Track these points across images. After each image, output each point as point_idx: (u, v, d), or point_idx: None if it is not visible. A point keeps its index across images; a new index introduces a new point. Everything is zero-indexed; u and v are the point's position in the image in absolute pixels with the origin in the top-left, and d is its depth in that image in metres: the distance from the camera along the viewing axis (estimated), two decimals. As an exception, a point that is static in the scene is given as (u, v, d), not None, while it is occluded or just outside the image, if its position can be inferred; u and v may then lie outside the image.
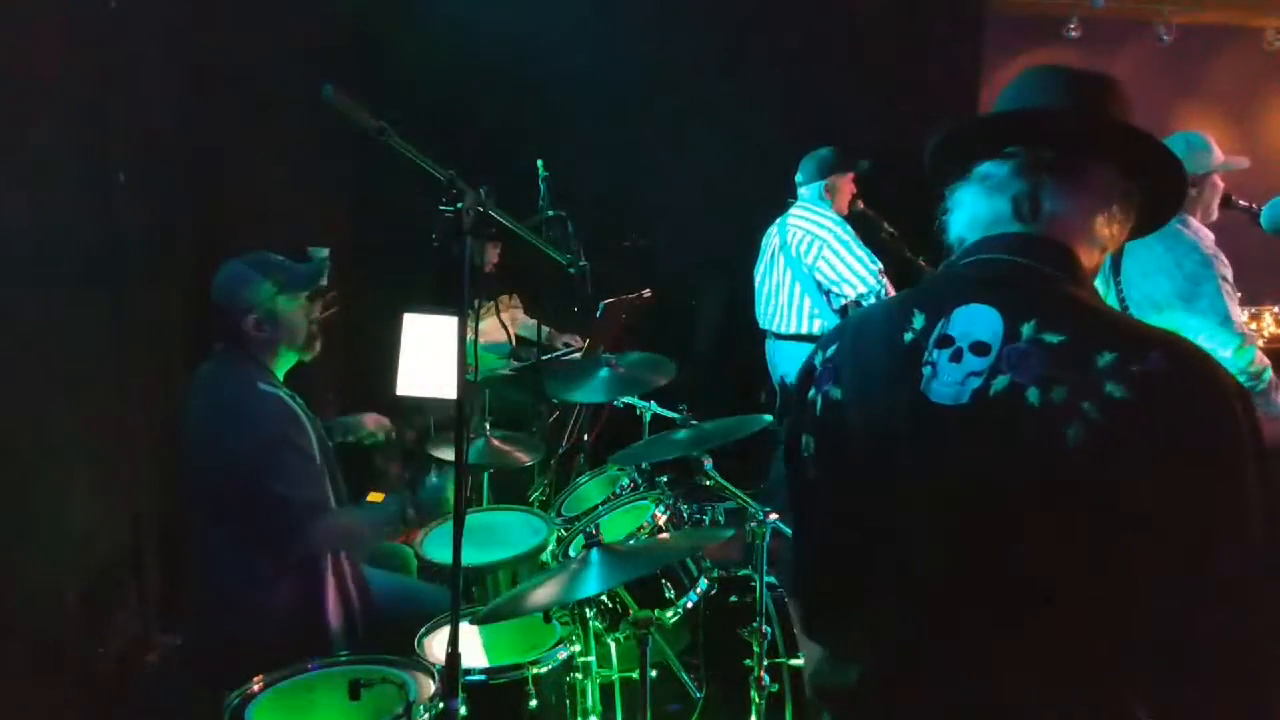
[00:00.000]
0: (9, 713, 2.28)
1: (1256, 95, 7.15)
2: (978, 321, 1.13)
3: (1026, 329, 1.09)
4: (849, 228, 4.10)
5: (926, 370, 1.14)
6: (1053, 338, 1.07)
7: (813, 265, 4.09)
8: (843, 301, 4.07)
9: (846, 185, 4.23)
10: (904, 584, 1.17)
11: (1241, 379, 2.85)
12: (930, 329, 1.16)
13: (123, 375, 2.77)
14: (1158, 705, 1.05)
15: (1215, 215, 3.16)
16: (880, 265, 4.03)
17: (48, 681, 2.45)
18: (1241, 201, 3.22)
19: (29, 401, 2.39)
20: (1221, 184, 3.13)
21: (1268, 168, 5.58)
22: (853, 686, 1.23)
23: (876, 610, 1.21)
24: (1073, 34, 6.43)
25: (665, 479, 2.93)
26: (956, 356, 1.12)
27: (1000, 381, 1.08)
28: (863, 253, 4.02)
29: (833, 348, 1.29)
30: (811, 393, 1.28)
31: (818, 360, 1.30)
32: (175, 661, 2.74)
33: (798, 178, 4.25)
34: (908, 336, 1.18)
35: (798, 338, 4.20)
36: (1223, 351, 2.88)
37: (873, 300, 3.96)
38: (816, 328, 4.15)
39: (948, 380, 1.12)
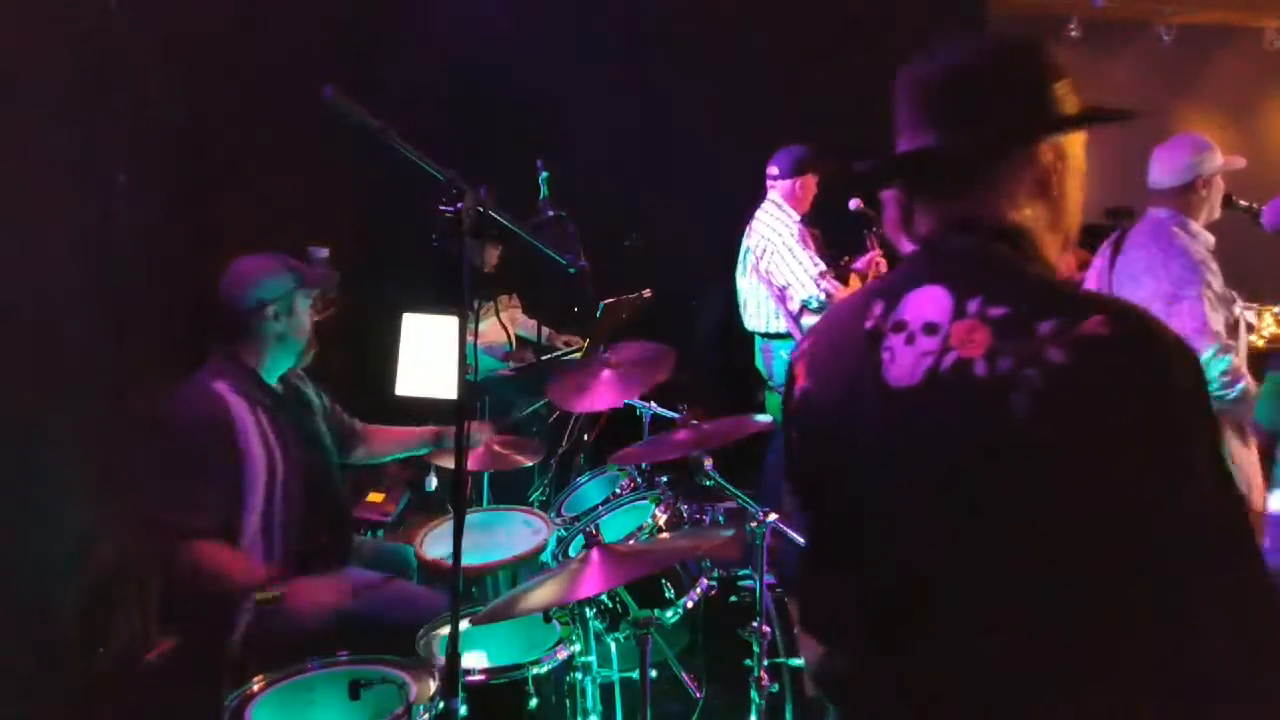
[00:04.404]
0: (9, 713, 2.28)
1: (1256, 95, 7.16)
2: (929, 302, 1.15)
3: (973, 305, 1.11)
4: (797, 230, 4.18)
5: (885, 356, 1.17)
6: (997, 310, 1.09)
7: (766, 267, 4.20)
8: (798, 304, 4.15)
9: (812, 185, 4.28)
10: (883, 569, 1.18)
11: (1211, 387, 2.87)
12: (887, 314, 1.19)
13: (122, 375, 2.77)
14: (1157, 689, 1.03)
15: (1218, 214, 3.17)
16: (821, 269, 4.12)
17: (48, 681, 2.45)
18: (1241, 201, 3.23)
19: (29, 402, 2.39)
20: (1223, 184, 3.14)
21: (1268, 168, 5.59)
22: (846, 674, 1.25)
23: (860, 597, 1.22)
24: (1073, 34, 6.44)
25: (665, 479, 2.93)
26: (910, 339, 1.15)
27: (949, 358, 1.10)
28: (804, 257, 4.10)
29: (807, 343, 1.34)
30: (792, 387, 1.33)
31: (795, 354, 1.34)
32: (175, 661, 2.74)
33: (770, 170, 4.31)
34: (868, 325, 1.21)
35: (770, 336, 4.32)
36: None
37: (814, 305, 4.11)
38: (779, 326, 4.26)
39: (904, 363, 1.14)
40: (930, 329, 1.13)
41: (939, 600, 1.12)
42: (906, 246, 1.27)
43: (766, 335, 4.31)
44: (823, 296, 4.09)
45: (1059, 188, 1.20)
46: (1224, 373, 2.86)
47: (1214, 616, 1.01)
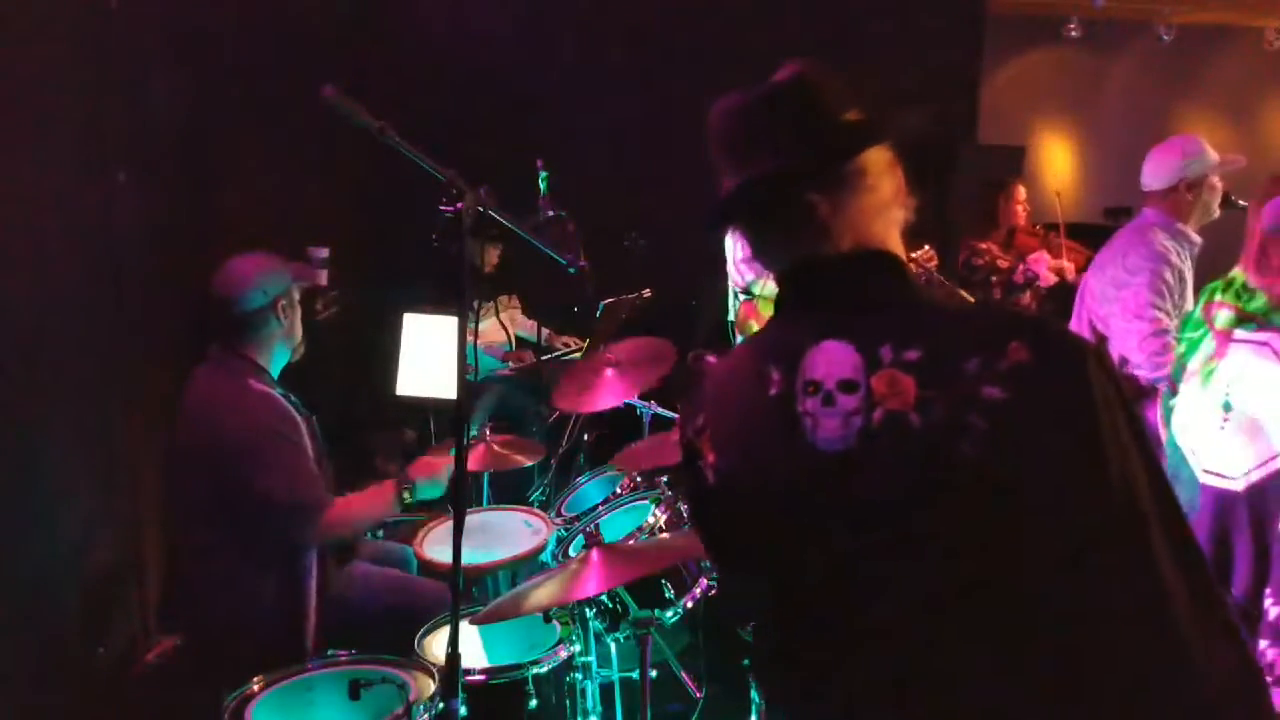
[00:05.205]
0: (9, 713, 2.28)
1: (1256, 95, 7.16)
2: (835, 360, 1.10)
3: (885, 353, 1.07)
4: None
5: (806, 421, 1.11)
6: (912, 354, 1.06)
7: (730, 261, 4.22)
8: (742, 298, 4.17)
9: None
10: (848, 635, 1.13)
11: (1143, 370, 2.98)
12: (791, 378, 1.13)
13: (123, 375, 2.77)
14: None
15: (1215, 214, 3.17)
16: (745, 255, 4.09)
17: (48, 681, 2.45)
18: (1241, 201, 3.22)
19: (29, 401, 2.39)
20: (1220, 185, 3.15)
21: (1267, 168, 5.57)
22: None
23: (822, 664, 1.17)
24: (1073, 34, 6.44)
25: (665, 479, 2.93)
26: (828, 400, 1.09)
27: (878, 414, 1.06)
28: (739, 246, 4.11)
29: (699, 417, 1.24)
30: (696, 463, 1.24)
31: (690, 433, 1.25)
32: (175, 661, 2.74)
33: None
34: (772, 391, 1.14)
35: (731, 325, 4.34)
36: (1129, 340, 3.03)
37: (744, 298, 4.03)
38: (733, 315, 4.27)
39: (829, 426, 1.09)
40: (848, 386, 1.08)
41: (921, 640, 1.08)
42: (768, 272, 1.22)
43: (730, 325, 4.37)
44: (744, 284, 4.06)
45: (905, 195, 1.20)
46: (1156, 352, 2.93)
47: (1168, 616, 1.00)
